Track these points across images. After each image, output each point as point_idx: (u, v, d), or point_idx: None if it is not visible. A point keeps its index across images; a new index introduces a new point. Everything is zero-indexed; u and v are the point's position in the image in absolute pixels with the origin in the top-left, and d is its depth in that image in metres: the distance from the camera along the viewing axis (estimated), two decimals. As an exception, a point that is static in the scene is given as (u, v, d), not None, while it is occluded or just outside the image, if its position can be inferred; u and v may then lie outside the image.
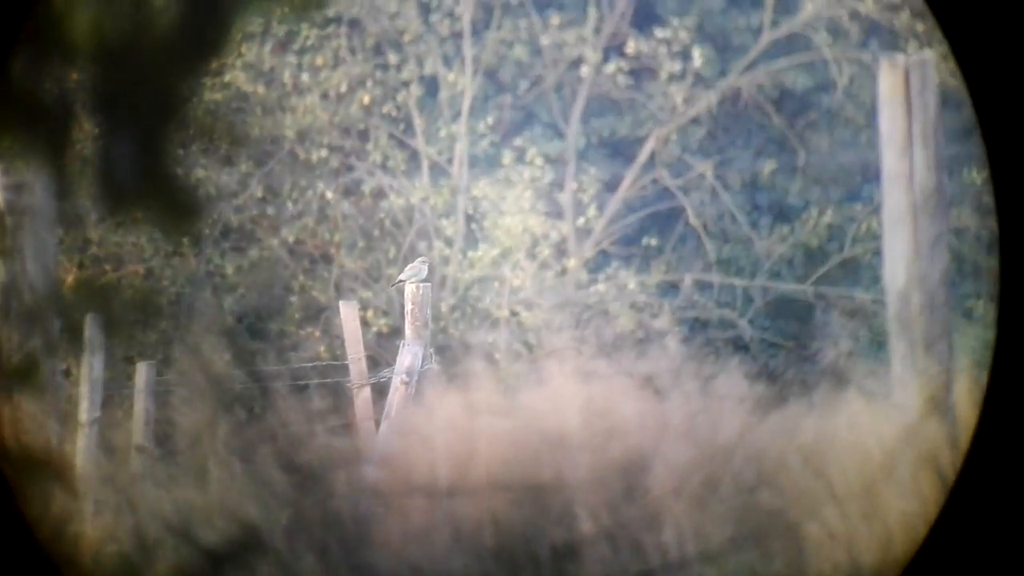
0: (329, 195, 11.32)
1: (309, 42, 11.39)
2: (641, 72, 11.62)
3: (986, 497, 3.17)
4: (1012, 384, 3.26)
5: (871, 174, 11.86)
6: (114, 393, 7.23)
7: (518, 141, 11.53)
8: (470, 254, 11.23)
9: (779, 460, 3.59)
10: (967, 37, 3.27)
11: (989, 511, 3.15)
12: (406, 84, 11.45)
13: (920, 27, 11.33)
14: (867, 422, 3.65)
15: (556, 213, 11.45)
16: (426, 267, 6.81)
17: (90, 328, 6.32)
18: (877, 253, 11.56)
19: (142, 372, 6.93)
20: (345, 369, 6.44)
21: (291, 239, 11.25)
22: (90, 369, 6.45)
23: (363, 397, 6.25)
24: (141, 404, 6.73)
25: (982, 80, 3.29)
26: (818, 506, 3.47)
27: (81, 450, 6.26)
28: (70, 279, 10.02)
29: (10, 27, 3.02)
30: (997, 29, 3.23)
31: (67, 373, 7.32)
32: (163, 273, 10.86)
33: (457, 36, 11.48)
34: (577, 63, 11.58)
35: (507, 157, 11.43)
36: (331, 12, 11.38)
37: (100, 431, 6.37)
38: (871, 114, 11.76)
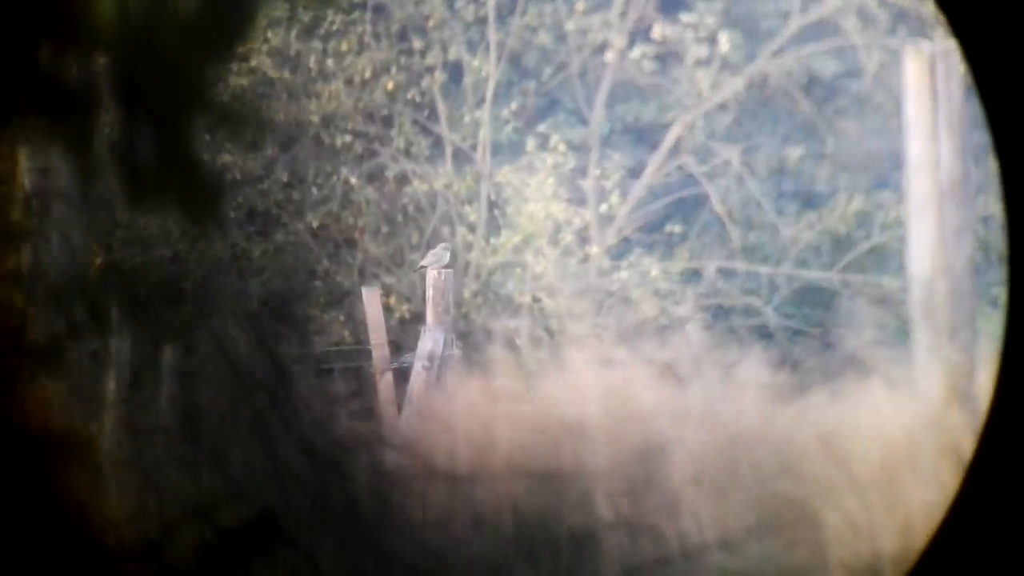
0: (353, 180, 11.33)
1: (334, 27, 11.39)
2: (667, 57, 11.53)
3: (1001, 487, 3.15)
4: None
5: (900, 161, 11.68)
6: (140, 375, 7.28)
7: (542, 127, 11.48)
8: (493, 240, 11.22)
9: (800, 449, 3.57)
10: (975, 33, 3.23)
11: (1003, 503, 3.13)
12: (430, 70, 11.42)
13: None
14: (890, 411, 3.62)
15: (579, 200, 11.42)
16: (448, 253, 6.81)
17: (117, 311, 6.36)
18: (905, 241, 11.39)
19: (168, 355, 6.96)
20: (368, 354, 6.45)
21: (315, 224, 11.28)
22: (116, 351, 6.49)
23: (385, 382, 6.26)
24: (166, 387, 6.77)
25: (989, 75, 3.25)
26: (839, 495, 3.46)
27: (106, 432, 6.31)
28: (98, 262, 10.08)
29: (37, 15, 3.03)
30: (1004, 27, 3.19)
31: (93, 355, 7.38)
32: (189, 257, 10.91)
33: (482, 22, 11.44)
34: (602, 48, 11.50)
35: (530, 144, 11.39)
36: (356, -2, 11.37)
37: (125, 413, 6.41)
38: (900, 101, 11.59)
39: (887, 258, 11.26)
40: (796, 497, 3.58)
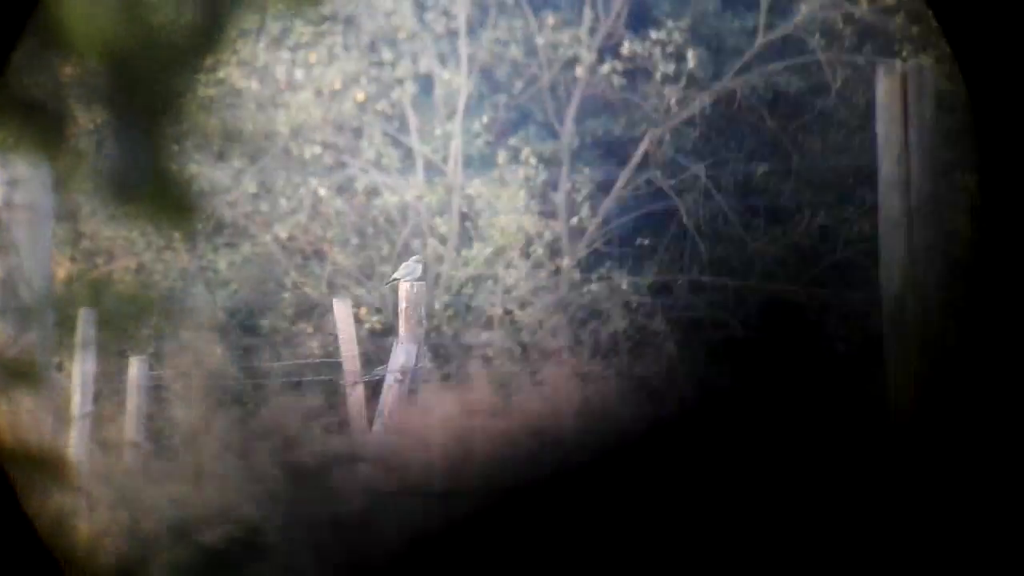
0: (322, 192, 11.30)
1: (303, 39, 11.37)
2: (636, 73, 11.61)
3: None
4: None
5: (863, 177, 11.88)
6: (106, 388, 7.21)
7: (513, 140, 11.51)
8: (464, 252, 11.22)
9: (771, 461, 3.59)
10: (968, 39, 3.27)
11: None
12: (400, 82, 11.42)
13: (915, 31, 11.34)
14: (860, 426, 3.65)
15: (550, 212, 11.45)
16: (420, 266, 6.80)
17: (82, 322, 6.30)
18: (869, 255, 11.58)
19: (134, 367, 6.89)
20: (339, 366, 6.41)
21: (284, 235, 11.23)
22: (82, 363, 6.42)
23: (356, 395, 6.22)
24: (134, 399, 6.70)
25: (982, 83, 3.29)
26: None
27: (74, 445, 6.24)
28: (61, 273, 9.97)
29: (10, 25, 3.00)
30: (998, 31, 3.23)
31: (59, 367, 7.30)
32: (155, 268, 10.83)
33: (452, 35, 11.46)
34: (572, 63, 11.56)
35: (501, 156, 11.42)
36: (326, 9, 11.34)
37: (93, 426, 6.34)
38: (864, 117, 11.77)
39: (852, 272, 11.37)
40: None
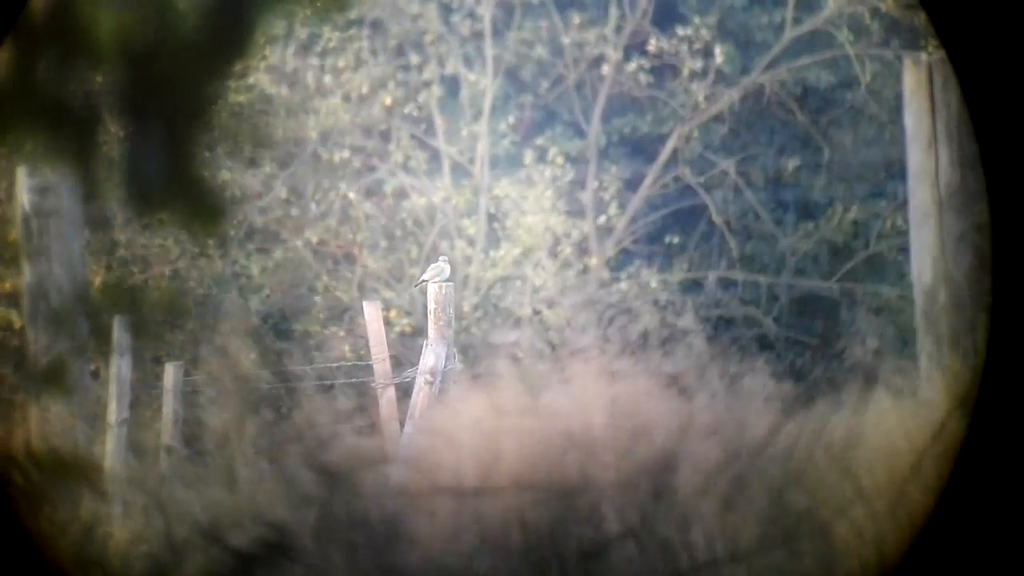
0: (352, 196, 11.35)
1: (331, 44, 11.43)
2: (663, 70, 11.58)
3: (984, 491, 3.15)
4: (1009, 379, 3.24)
5: (895, 171, 11.78)
6: (142, 394, 7.27)
7: (539, 140, 11.52)
8: (492, 253, 11.23)
9: (807, 459, 3.58)
10: (963, 39, 3.24)
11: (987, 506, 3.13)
12: (427, 84, 11.46)
13: (942, 23, 11.23)
14: (895, 419, 3.63)
15: (577, 212, 11.44)
16: (448, 267, 6.82)
17: (118, 329, 6.35)
18: (902, 249, 11.46)
19: (170, 373, 6.95)
20: (369, 369, 6.45)
21: (315, 240, 11.30)
22: (118, 370, 6.48)
23: (387, 397, 6.25)
24: (169, 405, 6.76)
25: (978, 82, 3.26)
26: (847, 505, 3.46)
27: (110, 451, 6.29)
28: (97, 281, 10.09)
29: (36, 32, 3.04)
30: (992, 32, 3.20)
31: (95, 375, 7.37)
32: (189, 274, 10.92)
33: (478, 36, 11.49)
34: (598, 62, 11.55)
35: (528, 156, 11.42)
36: (353, 14, 11.40)
37: (129, 432, 6.40)
38: (894, 111, 11.67)
39: (885, 267, 11.28)
40: (804, 508, 3.58)
